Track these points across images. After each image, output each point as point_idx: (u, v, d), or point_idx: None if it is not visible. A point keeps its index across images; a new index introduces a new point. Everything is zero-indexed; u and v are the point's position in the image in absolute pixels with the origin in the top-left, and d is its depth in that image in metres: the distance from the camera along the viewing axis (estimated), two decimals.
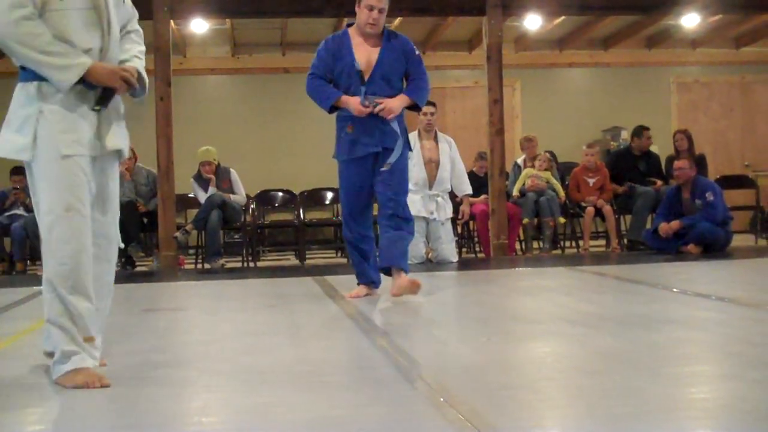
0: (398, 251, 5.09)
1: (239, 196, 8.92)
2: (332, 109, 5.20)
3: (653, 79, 12.85)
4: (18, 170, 9.34)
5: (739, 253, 8.53)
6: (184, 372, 3.30)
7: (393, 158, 5.13)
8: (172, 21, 9.28)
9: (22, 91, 3.09)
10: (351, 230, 5.31)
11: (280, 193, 10.60)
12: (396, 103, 5.13)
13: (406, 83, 5.32)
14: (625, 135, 11.77)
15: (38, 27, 2.97)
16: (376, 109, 5.01)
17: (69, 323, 3.02)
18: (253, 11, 9.62)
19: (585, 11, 10.31)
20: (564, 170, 10.35)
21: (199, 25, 10.18)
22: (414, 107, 5.34)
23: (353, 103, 5.06)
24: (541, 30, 11.38)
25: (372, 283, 5.34)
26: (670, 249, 8.44)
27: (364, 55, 5.17)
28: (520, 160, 9.94)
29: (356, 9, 5.18)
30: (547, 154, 9.89)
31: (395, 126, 5.19)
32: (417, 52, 5.31)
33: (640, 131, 9.96)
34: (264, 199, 10.55)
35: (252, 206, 10.03)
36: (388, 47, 5.20)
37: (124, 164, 8.85)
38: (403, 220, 5.16)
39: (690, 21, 10.82)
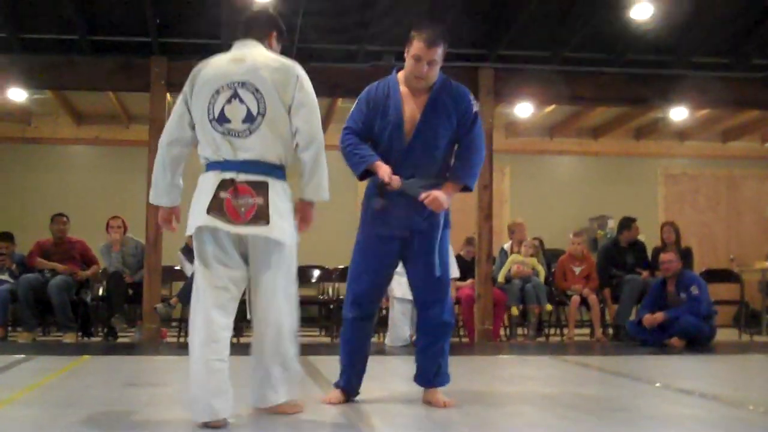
0: (435, 369, 4.34)
1: None
2: (365, 174, 4.27)
3: (641, 170, 13.02)
4: (4, 236, 9.36)
5: (723, 348, 8.55)
6: None
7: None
8: (168, 93, 9.38)
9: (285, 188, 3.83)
10: (352, 311, 4.38)
11: None
12: (443, 198, 4.16)
13: (455, 153, 4.37)
14: (612, 224, 11.88)
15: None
16: (420, 198, 4.13)
17: None
18: None
19: (575, 101, 10.49)
20: (551, 257, 10.41)
21: None
22: (466, 189, 4.38)
23: (386, 171, 4.14)
24: (532, 117, 11.56)
25: (346, 390, 4.42)
26: (654, 341, 8.46)
27: (410, 110, 4.26)
28: (507, 246, 10.00)
29: (405, 55, 4.29)
30: (535, 241, 9.96)
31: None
32: (474, 110, 4.31)
33: (628, 223, 10.07)
34: None
35: None
36: (437, 101, 4.26)
37: (115, 234, 8.87)
38: (441, 326, 4.33)
39: (678, 114, 11.04)
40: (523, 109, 10.90)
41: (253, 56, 3.87)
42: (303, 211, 3.92)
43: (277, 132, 3.79)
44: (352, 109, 4.39)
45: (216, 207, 3.72)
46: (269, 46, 4.03)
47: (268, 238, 3.75)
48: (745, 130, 12.67)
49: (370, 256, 4.34)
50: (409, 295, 7.87)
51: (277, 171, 3.81)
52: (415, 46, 4.16)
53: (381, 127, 4.27)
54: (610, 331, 9.70)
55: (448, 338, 4.41)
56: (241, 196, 3.71)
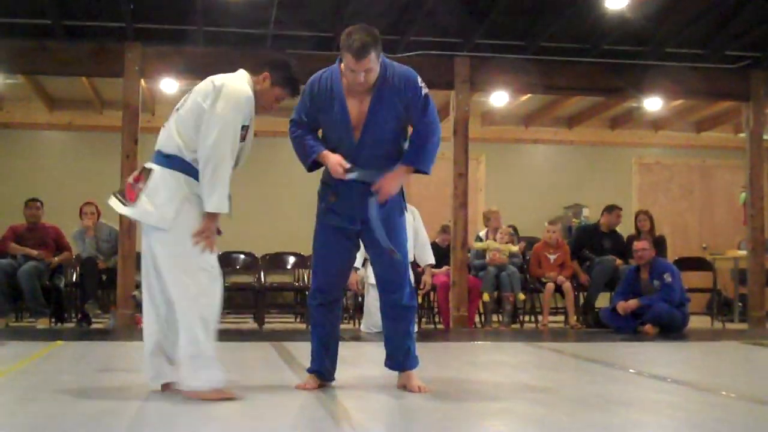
0: (403, 352, 4.36)
1: None
2: (314, 165, 4.29)
3: (616, 159, 13.08)
4: None
5: (696, 335, 8.63)
6: None
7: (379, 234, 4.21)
8: (142, 79, 9.31)
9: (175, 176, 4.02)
10: (315, 298, 4.40)
11: (242, 256, 10.57)
12: (394, 184, 4.18)
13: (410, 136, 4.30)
14: (587, 212, 11.95)
15: None
16: (374, 188, 4.13)
17: None
18: (223, 71, 9.66)
19: (550, 90, 10.53)
20: (525, 245, 10.44)
21: (169, 85, 10.21)
22: (421, 172, 4.28)
23: (332, 162, 4.14)
24: (508, 106, 11.58)
25: (320, 374, 4.42)
26: (628, 328, 8.53)
27: (356, 106, 4.16)
28: (482, 233, 10.04)
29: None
30: (509, 228, 9.98)
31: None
32: (423, 92, 4.17)
33: (611, 208, 10.17)
34: (225, 260, 10.49)
35: None
36: (381, 96, 4.14)
37: (88, 219, 8.81)
38: (403, 309, 4.36)
39: (653, 104, 11.09)
40: (499, 98, 10.91)
41: (221, 77, 4.07)
42: (204, 221, 3.98)
43: (183, 127, 4.00)
44: (297, 102, 4.35)
45: (121, 190, 4.13)
46: (256, 83, 4.14)
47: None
48: (718, 120, 12.75)
49: (327, 248, 4.36)
50: None
51: (171, 160, 3.99)
52: (346, 59, 4.03)
53: (327, 122, 4.25)
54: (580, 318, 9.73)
55: (412, 321, 4.44)
56: (138, 182, 4.02)
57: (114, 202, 4.09)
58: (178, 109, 4.12)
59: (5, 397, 4.09)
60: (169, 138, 4.05)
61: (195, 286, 3.96)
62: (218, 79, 4.03)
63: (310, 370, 4.45)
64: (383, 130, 4.18)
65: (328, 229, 4.32)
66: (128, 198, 4.02)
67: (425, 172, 4.26)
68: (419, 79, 4.20)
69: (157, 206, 3.96)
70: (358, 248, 4.44)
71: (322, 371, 4.42)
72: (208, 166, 3.89)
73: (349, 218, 4.26)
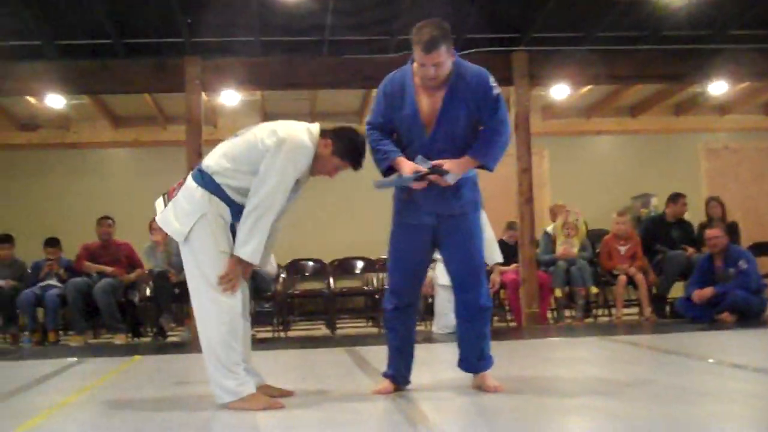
0: (477, 354, 4.32)
1: (270, 266, 8.92)
2: (388, 170, 4.27)
3: (682, 146, 12.84)
4: (51, 242, 9.48)
5: None
6: None
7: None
8: (203, 92, 9.43)
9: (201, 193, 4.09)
10: (391, 302, 4.37)
11: (311, 263, 10.63)
12: (455, 168, 4.12)
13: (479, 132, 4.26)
14: (655, 202, 11.75)
15: None
16: (433, 177, 4.08)
17: None
18: (283, 83, 9.77)
19: (611, 80, 10.39)
20: (594, 238, 10.31)
21: (230, 97, 10.33)
22: (484, 167, 4.27)
23: (406, 170, 4.12)
24: (569, 98, 11.45)
25: (396, 379, 4.40)
26: (704, 317, 8.37)
27: (428, 103, 4.17)
28: (549, 228, 9.94)
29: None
30: (575, 217, 9.81)
31: (462, 188, 4.27)
32: (495, 92, 4.17)
33: (676, 197, 9.95)
34: (294, 268, 10.58)
35: (282, 276, 10.06)
36: (454, 92, 4.14)
37: (158, 234, 8.95)
38: (479, 310, 4.30)
39: (718, 88, 10.85)
40: (560, 91, 10.78)
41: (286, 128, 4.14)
42: (230, 264, 4.01)
43: (231, 153, 4.09)
44: (372, 104, 4.38)
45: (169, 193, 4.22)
46: (319, 145, 4.18)
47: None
48: None
49: (402, 247, 4.34)
50: None
51: (203, 177, 4.07)
52: (417, 54, 4.06)
53: (399, 120, 4.24)
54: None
55: (487, 322, 4.39)
56: (179, 188, 4.15)
57: (159, 203, 4.20)
58: (236, 136, 4.19)
59: (88, 413, 4.17)
60: (212, 157, 4.13)
61: (202, 304, 4.03)
62: (282, 129, 4.07)
63: (385, 375, 4.43)
64: (455, 127, 4.16)
65: (404, 227, 4.31)
66: (170, 199, 4.15)
67: (489, 169, 4.25)
68: (491, 79, 4.20)
69: (177, 217, 4.05)
70: (434, 249, 4.40)
71: (398, 376, 4.41)
72: (253, 214, 3.95)
73: (426, 213, 4.24)
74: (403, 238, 4.33)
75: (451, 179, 4.10)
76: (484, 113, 4.17)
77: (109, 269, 9.16)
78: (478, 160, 4.20)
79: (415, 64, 4.17)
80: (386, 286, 4.45)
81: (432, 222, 4.25)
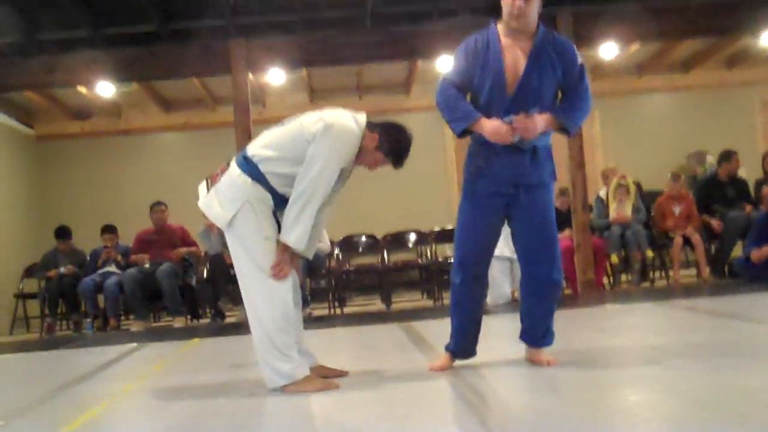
0: (543, 329, 4.27)
1: (323, 244, 8.95)
2: (464, 132, 4.09)
3: (736, 100, 12.57)
4: (109, 229, 9.63)
5: None
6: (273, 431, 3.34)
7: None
8: (249, 73, 9.47)
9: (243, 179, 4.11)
10: (458, 274, 4.22)
11: (364, 238, 10.66)
12: (537, 122, 3.96)
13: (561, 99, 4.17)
14: (711, 159, 11.54)
15: None
16: (513, 127, 3.96)
17: None
18: (328, 59, 9.77)
19: (662, 36, 10.21)
20: (649, 199, 10.18)
21: (276, 76, 10.35)
22: (564, 131, 4.14)
23: (490, 127, 3.97)
24: (617, 57, 11.24)
25: (455, 353, 4.36)
26: (764, 277, 8.21)
27: (512, 61, 4.03)
28: (602, 193, 9.83)
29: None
30: (624, 185, 9.66)
31: (540, 157, 4.13)
32: (580, 62, 4.08)
33: (728, 156, 9.75)
34: (348, 244, 10.62)
35: (336, 252, 10.11)
36: (540, 51, 4.02)
37: None
38: (550, 284, 4.20)
39: None
40: (608, 50, 10.59)
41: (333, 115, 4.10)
42: (278, 252, 4.02)
43: (276, 141, 4.09)
44: (451, 63, 4.17)
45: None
46: (365, 137, 4.14)
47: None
48: None
49: (474, 216, 4.17)
50: (507, 253, 7.87)
51: (248, 163, 4.08)
52: None
53: (481, 78, 4.04)
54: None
55: (557, 298, 4.27)
56: (222, 173, 4.17)
57: (202, 188, 4.21)
58: (282, 124, 4.19)
59: (148, 399, 4.25)
60: (258, 144, 4.14)
61: (251, 289, 4.05)
62: (329, 116, 4.05)
63: (447, 348, 4.36)
64: (537, 91, 4.01)
65: (477, 197, 4.16)
66: (213, 184, 4.17)
67: (569, 133, 4.17)
68: (576, 49, 4.14)
69: (221, 203, 4.06)
70: (504, 220, 4.26)
71: (459, 352, 4.34)
72: (300, 199, 3.94)
73: (502, 181, 4.10)
74: (475, 209, 4.17)
75: (532, 133, 3.97)
76: (569, 80, 4.06)
77: (146, 258, 9.38)
78: (560, 120, 4.05)
79: (500, 24, 4.08)
80: (455, 259, 4.25)
81: (508, 191, 4.11)
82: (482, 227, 4.18)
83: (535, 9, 4.01)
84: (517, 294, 8.16)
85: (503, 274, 8.34)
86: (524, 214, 4.13)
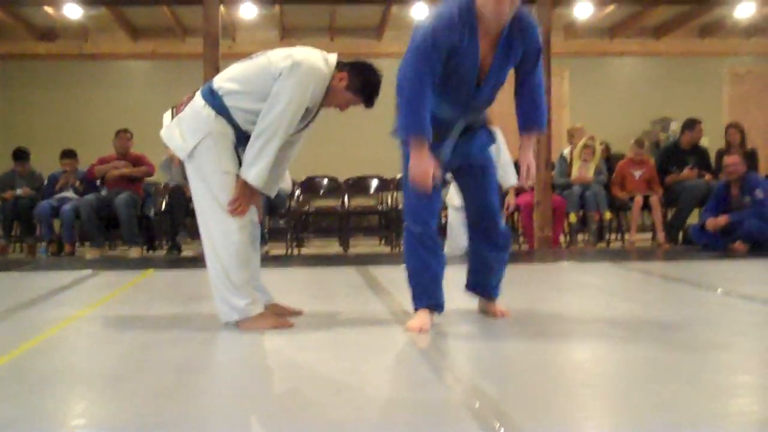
0: (495, 282, 4.27)
1: (285, 183, 8.93)
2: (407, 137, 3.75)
3: (705, 70, 12.68)
4: (68, 153, 9.52)
5: None
6: (218, 366, 3.35)
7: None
8: (221, 5, 9.33)
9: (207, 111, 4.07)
10: (416, 221, 3.97)
11: (326, 180, 10.65)
12: (532, 159, 3.98)
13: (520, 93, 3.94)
14: (675, 126, 11.65)
15: None
16: (525, 181, 3.97)
17: None
18: None
19: (637, 0, 10.18)
20: (612, 161, 10.26)
21: (248, 10, 10.22)
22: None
23: (419, 165, 3.68)
24: (592, 18, 11.27)
25: (438, 307, 4.05)
26: (718, 246, 8.35)
27: (484, 53, 3.74)
28: (566, 151, 9.89)
29: None
30: (590, 140, 9.71)
31: (482, 138, 4.11)
32: (539, 47, 3.84)
33: (691, 124, 9.82)
34: (309, 186, 10.61)
35: (297, 193, 10.09)
36: (509, 39, 3.75)
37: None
38: (505, 237, 4.23)
39: (745, 10, 10.65)
40: (583, 9, 10.60)
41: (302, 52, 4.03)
42: (238, 187, 3.98)
43: (242, 76, 4.04)
44: (423, 31, 3.64)
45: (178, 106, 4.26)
46: (333, 77, 4.09)
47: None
48: None
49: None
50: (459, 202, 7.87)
51: (213, 96, 4.02)
52: None
53: (454, 66, 3.71)
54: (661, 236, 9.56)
55: (509, 248, 4.29)
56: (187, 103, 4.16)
57: (166, 116, 4.23)
58: (251, 58, 4.13)
59: (99, 327, 4.24)
60: (224, 76, 4.09)
61: (209, 222, 4.02)
62: (299, 54, 3.98)
63: (419, 307, 4.02)
64: (499, 76, 3.84)
65: None
66: (178, 114, 4.14)
67: (542, 132, 4.14)
68: (539, 30, 3.89)
69: (182, 133, 4.02)
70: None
71: (434, 304, 4.04)
72: (262, 136, 3.90)
73: (445, 163, 4.00)
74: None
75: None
76: (527, 64, 3.85)
77: (121, 165, 9.24)
78: (537, 132, 4.01)
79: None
80: (405, 211, 4.10)
81: (450, 169, 4.14)
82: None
83: (514, 6, 3.66)
84: None
85: (462, 225, 8.36)
86: (471, 185, 4.18)
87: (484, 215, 4.17)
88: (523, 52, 3.81)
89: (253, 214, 4.14)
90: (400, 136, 3.76)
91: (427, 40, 3.61)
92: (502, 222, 4.25)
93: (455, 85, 3.78)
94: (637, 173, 9.63)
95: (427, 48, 3.61)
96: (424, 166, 3.68)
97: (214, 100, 4.02)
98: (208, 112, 4.00)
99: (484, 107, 4.02)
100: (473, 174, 4.13)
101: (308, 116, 4.14)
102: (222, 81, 4.07)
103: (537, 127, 3.97)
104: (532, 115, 3.94)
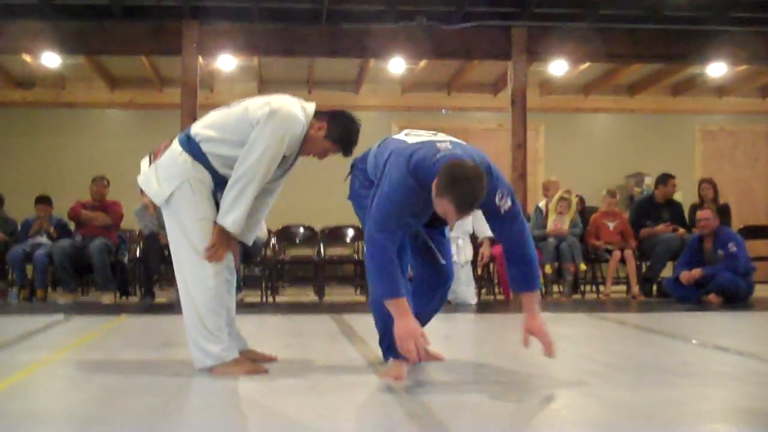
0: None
1: (260, 232, 8.91)
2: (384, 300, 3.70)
3: (678, 127, 12.86)
4: (43, 199, 9.47)
5: (761, 304, 8.46)
6: (191, 413, 3.31)
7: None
8: (200, 57, 9.39)
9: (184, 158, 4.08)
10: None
11: (302, 229, 10.65)
12: (542, 321, 3.86)
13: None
14: (649, 181, 11.78)
15: None
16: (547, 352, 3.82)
17: None
18: (280, 50, 9.75)
19: (611, 59, 10.39)
20: (588, 215, 10.34)
21: (226, 62, 10.29)
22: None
23: (405, 329, 3.58)
24: (567, 75, 11.43)
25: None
26: (691, 298, 8.41)
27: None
28: (542, 204, 9.95)
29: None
30: (567, 194, 9.80)
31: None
32: (503, 209, 3.69)
33: (665, 179, 9.94)
34: (285, 234, 10.60)
35: (273, 241, 10.07)
36: None
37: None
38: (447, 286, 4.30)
39: (716, 70, 10.84)
40: (558, 67, 10.76)
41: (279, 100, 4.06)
42: (214, 234, 3.97)
43: (221, 122, 4.06)
44: (395, 203, 3.61)
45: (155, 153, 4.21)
46: (312, 126, 4.11)
47: None
48: None
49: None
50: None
51: (190, 143, 4.03)
52: (444, 206, 3.46)
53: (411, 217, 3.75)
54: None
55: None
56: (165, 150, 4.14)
57: (144, 162, 4.17)
58: (229, 106, 4.15)
59: (70, 371, 4.18)
60: (202, 123, 4.10)
61: (184, 268, 4.01)
62: (276, 101, 4.01)
63: (396, 356, 3.84)
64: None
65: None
66: (155, 160, 4.13)
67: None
68: (501, 194, 3.68)
69: (159, 180, 4.03)
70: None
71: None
72: (238, 183, 3.91)
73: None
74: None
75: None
76: (495, 220, 3.77)
77: (101, 216, 9.24)
78: (534, 291, 3.90)
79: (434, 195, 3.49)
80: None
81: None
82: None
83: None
84: (451, 297, 8.20)
85: (468, 278, 8.47)
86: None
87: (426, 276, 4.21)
88: (483, 208, 3.72)
89: (229, 260, 4.12)
90: (380, 296, 3.74)
91: (391, 213, 3.62)
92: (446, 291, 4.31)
93: (413, 223, 3.84)
94: (611, 224, 9.71)
95: (389, 221, 3.62)
96: (409, 326, 3.59)
97: (191, 146, 4.02)
98: (185, 158, 4.00)
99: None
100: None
101: (285, 164, 4.15)
102: (199, 128, 4.08)
103: (528, 290, 3.87)
104: (520, 279, 3.88)
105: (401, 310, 3.61)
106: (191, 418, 3.18)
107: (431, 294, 4.22)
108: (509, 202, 3.71)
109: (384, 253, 3.61)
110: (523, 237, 3.81)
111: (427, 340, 3.65)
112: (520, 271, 3.85)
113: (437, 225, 4.03)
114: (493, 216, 3.76)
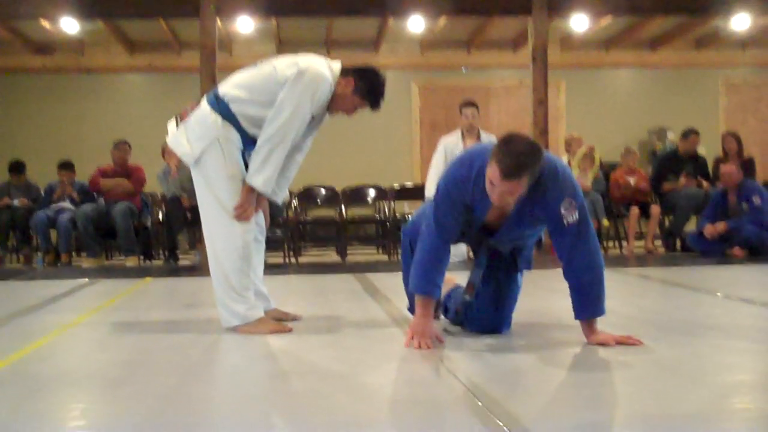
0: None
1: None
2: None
3: (701, 81, 12.71)
4: (66, 165, 9.52)
5: None
6: (222, 369, 3.33)
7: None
8: (218, 19, 9.34)
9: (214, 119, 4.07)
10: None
11: (323, 190, 10.65)
12: (602, 338, 3.54)
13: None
14: (672, 136, 11.67)
15: None
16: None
17: None
18: (298, 10, 9.68)
19: (633, 12, 10.23)
20: (608, 171, 10.28)
21: (245, 23, 10.24)
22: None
23: (422, 324, 3.58)
24: (588, 30, 11.30)
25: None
26: (716, 252, 8.36)
27: (496, 213, 3.57)
28: (564, 161, 9.87)
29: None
30: (588, 149, 9.74)
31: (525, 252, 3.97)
32: (571, 220, 3.41)
33: (688, 134, 9.85)
34: (307, 195, 10.60)
35: (294, 202, 10.09)
36: (521, 215, 3.53)
37: (172, 159, 8.96)
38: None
39: (740, 22, 10.66)
40: (579, 22, 10.62)
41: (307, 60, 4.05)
42: (243, 193, 3.98)
43: (248, 82, 4.05)
44: (444, 199, 3.55)
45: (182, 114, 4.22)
46: (338, 84, 4.10)
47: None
48: None
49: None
50: None
51: (219, 103, 4.03)
52: (491, 170, 3.26)
53: (466, 219, 3.61)
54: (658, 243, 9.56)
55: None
56: (192, 111, 4.16)
57: (171, 124, 4.17)
58: (255, 66, 4.15)
59: (98, 333, 4.21)
60: (230, 83, 4.09)
61: (213, 228, 4.03)
62: (304, 61, 4.01)
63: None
64: (519, 236, 3.74)
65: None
66: (182, 121, 4.14)
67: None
68: (568, 204, 3.43)
69: (189, 140, 4.04)
70: None
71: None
72: (267, 144, 3.92)
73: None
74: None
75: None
76: (557, 233, 3.47)
77: (121, 184, 9.27)
78: (596, 316, 3.58)
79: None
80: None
81: None
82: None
83: (518, 196, 3.37)
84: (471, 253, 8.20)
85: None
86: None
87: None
88: (547, 223, 3.52)
89: (259, 219, 4.14)
90: (414, 289, 3.64)
91: (446, 200, 3.55)
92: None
93: (466, 227, 3.66)
94: (632, 180, 9.67)
95: (443, 218, 3.56)
96: (426, 326, 3.59)
97: (220, 106, 4.02)
98: (215, 118, 4.00)
99: (505, 247, 3.84)
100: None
101: (315, 123, 4.16)
102: (228, 87, 4.08)
103: (590, 316, 3.58)
104: (582, 304, 3.56)
105: (425, 310, 3.61)
106: (220, 376, 3.20)
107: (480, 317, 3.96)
108: (575, 215, 3.43)
109: (433, 247, 3.58)
110: (591, 258, 3.49)
111: (441, 342, 3.63)
112: (586, 298, 3.53)
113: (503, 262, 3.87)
114: (556, 230, 3.47)
